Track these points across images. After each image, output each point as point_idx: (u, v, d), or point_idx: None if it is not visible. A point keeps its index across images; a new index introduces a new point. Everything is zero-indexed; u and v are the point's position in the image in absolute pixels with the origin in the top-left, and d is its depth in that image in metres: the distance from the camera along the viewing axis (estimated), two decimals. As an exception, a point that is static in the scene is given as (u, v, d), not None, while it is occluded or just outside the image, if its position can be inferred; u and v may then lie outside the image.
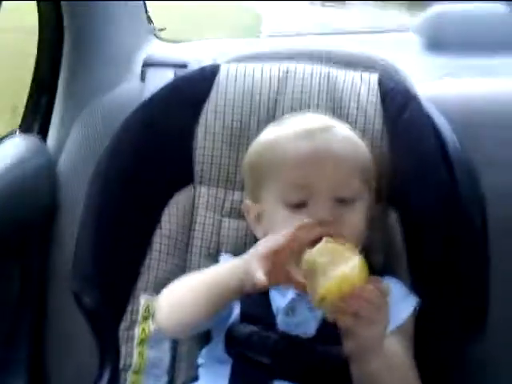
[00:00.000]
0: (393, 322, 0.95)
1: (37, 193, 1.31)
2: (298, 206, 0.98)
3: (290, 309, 0.98)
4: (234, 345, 0.98)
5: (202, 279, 0.97)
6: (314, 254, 0.84)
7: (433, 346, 1.02)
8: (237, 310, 1.00)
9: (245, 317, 0.99)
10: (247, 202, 1.07)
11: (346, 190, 0.99)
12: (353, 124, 1.11)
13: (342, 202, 0.99)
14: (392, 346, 0.92)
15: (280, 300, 0.99)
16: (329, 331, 0.88)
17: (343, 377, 0.91)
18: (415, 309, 1.01)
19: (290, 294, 0.98)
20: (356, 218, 0.99)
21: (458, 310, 1.03)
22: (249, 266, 0.88)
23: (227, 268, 0.94)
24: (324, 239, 0.85)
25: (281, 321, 0.98)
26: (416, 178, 1.07)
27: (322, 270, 0.83)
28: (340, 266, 0.82)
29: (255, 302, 0.97)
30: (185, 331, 1.03)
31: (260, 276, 0.85)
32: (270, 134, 1.07)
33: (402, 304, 1.00)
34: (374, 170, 1.06)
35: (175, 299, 1.00)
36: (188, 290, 0.99)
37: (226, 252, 1.11)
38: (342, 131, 1.04)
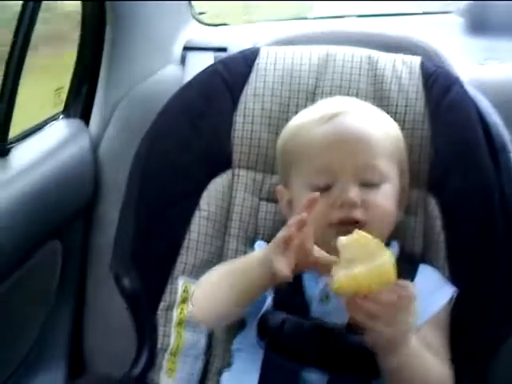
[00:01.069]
0: (427, 312, 0.95)
1: (79, 175, 1.33)
2: (324, 189, 0.98)
3: (325, 296, 0.98)
4: (267, 332, 0.98)
5: (233, 270, 0.97)
6: (343, 245, 0.84)
7: (471, 335, 1.01)
8: (270, 298, 1.00)
9: (278, 305, 0.99)
10: (279, 187, 1.07)
11: (370, 172, 0.98)
12: (394, 107, 1.10)
13: (367, 185, 0.98)
14: (425, 338, 0.92)
15: (314, 287, 0.99)
16: None
17: (374, 366, 0.91)
18: (451, 298, 1.00)
19: (324, 281, 0.97)
20: (382, 200, 0.98)
21: (497, 300, 1.02)
22: (269, 257, 0.87)
23: (255, 258, 0.93)
24: (355, 231, 0.84)
25: (314, 308, 0.98)
26: (458, 163, 1.06)
27: (345, 262, 0.83)
28: (362, 264, 0.82)
29: (288, 289, 0.95)
30: (219, 321, 1.04)
31: (279, 267, 0.84)
32: (297, 119, 1.07)
33: (436, 294, 0.99)
34: (407, 152, 1.05)
35: (209, 290, 1.01)
36: (220, 282, 0.98)
37: (264, 235, 1.12)
38: (366, 114, 1.03)
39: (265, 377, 0.96)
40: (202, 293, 1.02)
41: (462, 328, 1.00)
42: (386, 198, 0.99)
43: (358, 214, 0.96)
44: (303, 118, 1.05)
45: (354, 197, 0.96)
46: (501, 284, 1.02)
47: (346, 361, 0.94)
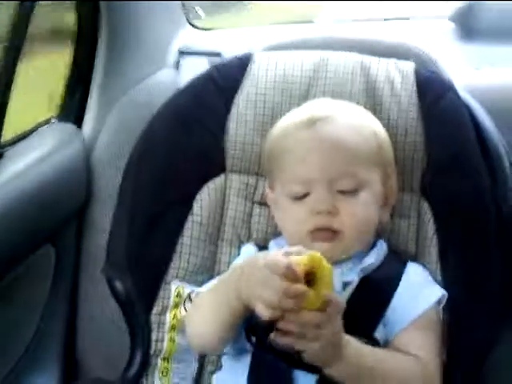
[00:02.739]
0: (412, 311, 0.97)
1: (72, 179, 1.33)
2: (303, 197, 0.99)
3: None
4: (255, 333, 0.97)
5: (215, 301, 0.96)
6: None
7: (464, 337, 1.01)
8: None
9: None
10: (267, 191, 1.08)
11: (346, 180, 0.98)
12: (387, 113, 1.10)
13: (344, 192, 0.98)
14: (409, 337, 0.95)
15: None
16: (350, 321, 0.88)
17: None
18: (439, 300, 1.00)
19: None
20: (358, 208, 0.98)
21: (490, 302, 1.02)
22: (249, 296, 0.87)
23: (232, 290, 0.91)
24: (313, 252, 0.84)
25: None
26: (452, 169, 1.06)
27: None
28: None
29: None
30: (216, 349, 1.03)
31: (263, 312, 0.84)
32: (280, 122, 1.07)
33: (423, 293, 1.00)
34: (392, 157, 1.05)
35: (198, 324, 1.01)
36: (206, 314, 0.98)
37: (257, 239, 1.12)
38: (344, 120, 1.02)
39: (254, 376, 0.97)
40: (193, 326, 1.03)
41: (455, 330, 1.00)
42: (363, 205, 0.99)
43: (333, 222, 0.97)
44: (286, 122, 1.06)
45: (327, 206, 0.97)
46: (493, 287, 1.03)
47: None
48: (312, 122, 1.01)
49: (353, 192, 0.99)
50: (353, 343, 0.90)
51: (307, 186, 0.99)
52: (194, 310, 1.04)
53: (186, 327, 1.04)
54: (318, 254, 0.84)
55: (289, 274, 0.82)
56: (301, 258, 0.84)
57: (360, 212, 0.99)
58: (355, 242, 1.00)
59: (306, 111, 1.05)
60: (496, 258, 1.03)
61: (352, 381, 0.91)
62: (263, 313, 0.84)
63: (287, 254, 0.86)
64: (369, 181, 1.00)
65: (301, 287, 0.82)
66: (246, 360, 0.98)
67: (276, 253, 0.88)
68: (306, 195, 0.99)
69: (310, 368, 0.92)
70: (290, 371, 0.95)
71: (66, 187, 1.31)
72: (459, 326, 1.01)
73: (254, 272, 0.87)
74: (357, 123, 1.03)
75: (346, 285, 0.98)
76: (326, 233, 0.97)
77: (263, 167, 1.11)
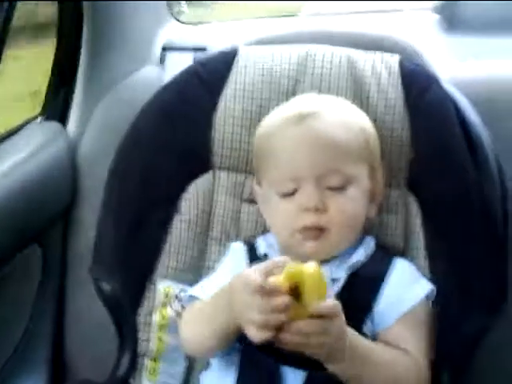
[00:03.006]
0: (400, 308, 0.97)
1: (57, 178, 1.31)
2: (291, 194, 0.99)
3: None
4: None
5: (209, 314, 0.97)
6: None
7: (452, 330, 1.02)
8: None
9: None
10: (255, 185, 1.08)
11: (333, 177, 0.98)
12: (374, 107, 1.10)
13: (332, 189, 0.98)
14: (397, 332, 0.95)
15: None
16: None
17: None
18: (427, 295, 1.01)
19: None
20: (347, 204, 0.99)
21: (477, 295, 1.03)
22: (240, 316, 0.88)
23: (224, 307, 0.92)
24: (312, 263, 0.84)
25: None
26: (437, 162, 1.06)
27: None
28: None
29: None
30: (212, 354, 1.03)
31: (254, 335, 0.85)
32: (268, 118, 1.07)
33: (411, 289, 1.00)
34: (380, 148, 1.05)
35: (193, 332, 1.02)
36: (201, 324, 0.99)
37: (245, 237, 1.12)
38: (332, 116, 1.02)
39: (243, 373, 0.97)
40: (188, 334, 1.03)
41: (444, 323, 1.01)
42: (352, 201, 0.99)
43: (321, 220, 0.97)
44: (273, 118, 1.05)
45: (315, 202, 0.97)
46: (480, 280, 1.03)
47: None
48: (299, 119, 1.00)
49: (341, 188, 0.99)
50: (359, 342, 0.90)
51: (296, 182, 0.99)
52: (191, 318, 1.03)
53: (181, 334, 1.04)
54: (297, 265, 0.84)
55: (268, 291, 0.83)
56: (278, 277, 0.84)
57: (349, 208, 0.99)
58: (342, 239, 1.00)
59: (294, 107, 1.04)
60: (483, 252, 1.03)
61: (354, 377, 0.91)
62: (255, 337, 0.85)
63: (267, 271, 0.86)
64: (357, 176, 1.00)
65: (281, 299, 0.82)
66: (235, 358, 0.98)
67: (254, 271, 0.87)
68: (294, 192, 0.99)
69: (300, 364, 0.93)
70: (279, 369, 0.95)
71: (52, 186, 1.29)
72: (448, 320, 1.01)
73: (239, 294, 0.88)
74: (344, 119, 1.02)
75: (333, 282, 0.98)
76: (314, 231, 0.98)
77: (252, 164, 1.11)
